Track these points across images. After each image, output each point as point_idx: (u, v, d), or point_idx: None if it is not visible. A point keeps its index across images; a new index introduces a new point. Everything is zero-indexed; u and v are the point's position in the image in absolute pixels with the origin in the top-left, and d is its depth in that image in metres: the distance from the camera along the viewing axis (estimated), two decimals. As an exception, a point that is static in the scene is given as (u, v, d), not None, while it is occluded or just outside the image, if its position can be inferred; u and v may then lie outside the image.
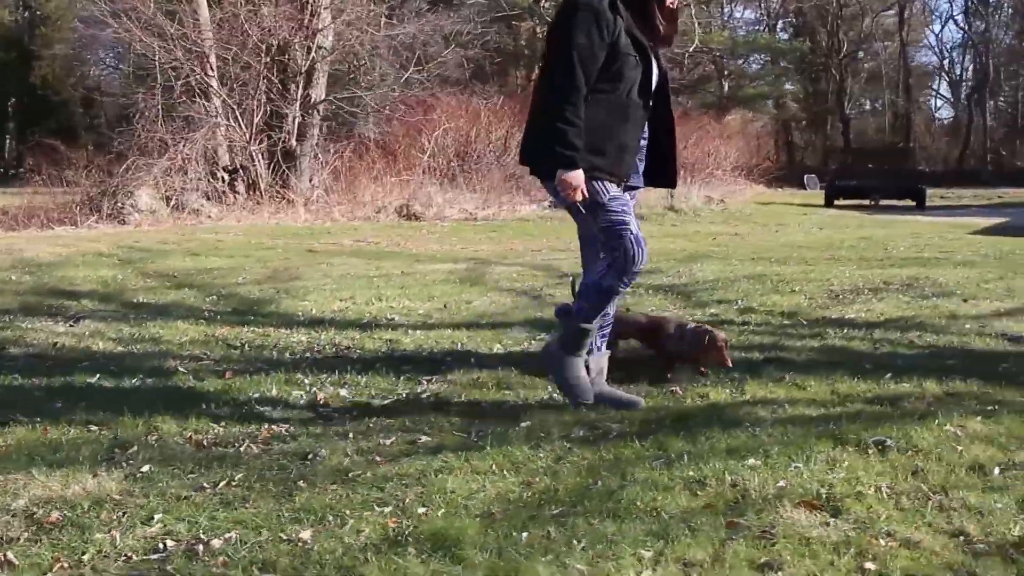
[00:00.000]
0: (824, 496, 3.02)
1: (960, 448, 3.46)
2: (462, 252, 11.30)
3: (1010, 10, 51.20)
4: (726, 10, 51.92)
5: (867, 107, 59.59)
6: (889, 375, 4.52)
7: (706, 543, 2.67)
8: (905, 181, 29.10)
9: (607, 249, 3.89)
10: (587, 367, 4.05)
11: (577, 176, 3.72)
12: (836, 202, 28.07)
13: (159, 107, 18.46)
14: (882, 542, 2.69)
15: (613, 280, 3.90)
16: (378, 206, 18.14)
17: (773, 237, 13.67)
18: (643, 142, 4.00)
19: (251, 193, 19.20)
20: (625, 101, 3.82)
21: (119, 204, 17.36)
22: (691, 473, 3.22)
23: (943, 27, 50.04)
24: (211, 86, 18.36)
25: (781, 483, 3.13)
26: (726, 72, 46.58)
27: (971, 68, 52.31)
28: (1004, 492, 3.06)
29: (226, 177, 18.98)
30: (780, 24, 54.48)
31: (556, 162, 3.73)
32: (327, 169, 20.15)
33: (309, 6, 19.33)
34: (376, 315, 6.51)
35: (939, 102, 59.37)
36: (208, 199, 18.43)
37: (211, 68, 18.44)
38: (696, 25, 36.10)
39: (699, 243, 12.35)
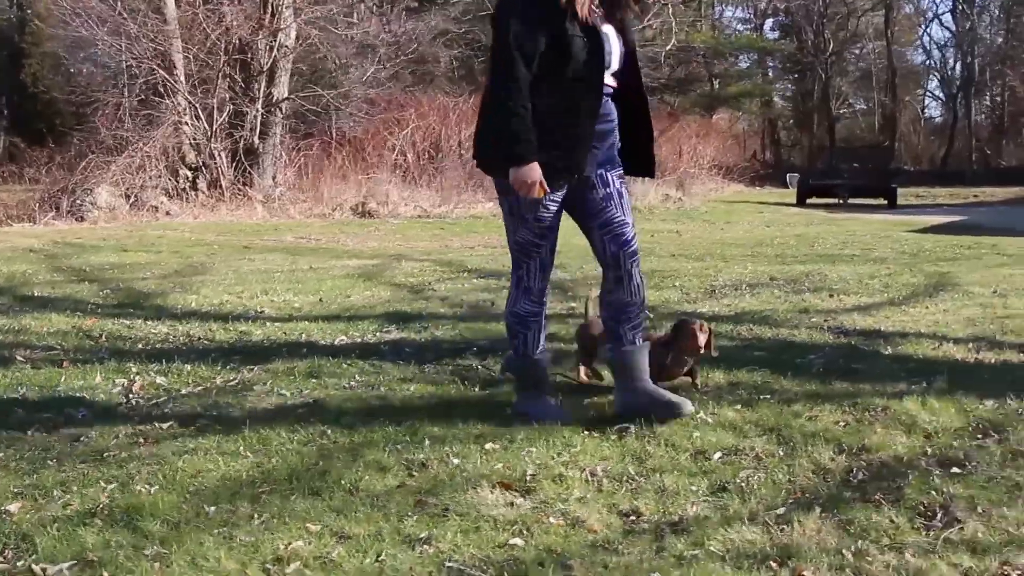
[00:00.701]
0: (528, 477, 3.15)
1: (696, 435, 3.60)
2: (388, 249, 11.46)
3: (996, 10, 51.16)
4: (717, 9, 51.95)
5: (859, 106, 59.59)
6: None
7: (377, 519, 2.81)
8: (877, 180, 28.98)
9: (512, 267, 3.76)
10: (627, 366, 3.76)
11: (530, 171, 3.43)
12: (808, 200, 28.08)
13: (126, 105, 18.61)
14: (551, 520, 2.83)
15: (516, 305, 3.78)
16: (335, 204, 18.29)
17: (710, 234, 13.81)
18: (610, 126, 3.64)
19: (213, 191, 19.34)
20: (573, 85, 3.48)
21: (78, 201, 17.51)
22: (419, 456, 3.36)
23: (927, 26, 49.87)
24: (172, 84, 18.50)
25: (498, 465, 3.27)
26: (710, 71, 46.55)
27: (958, 67, 52.24)
28: (704, 476, 3.20)
29: (189, 175, 19.12)
30: (769, 23, 54.55)
31: (506, 158, 3.47)
32: (291, 167, 20.30)
33: (270, 5, 19.47)
34: (250, 308, 6.66)
35: (931, 101, 59.35)
36: (169, 196, 18.57)
37: (175, 67, 18.58)
38: (675, 24, 36.22)
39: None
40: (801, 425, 3.67)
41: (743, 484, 3.09)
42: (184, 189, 18.72)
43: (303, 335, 5.68)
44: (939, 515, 2.80)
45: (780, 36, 54.13)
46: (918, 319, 5.97)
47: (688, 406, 3.70)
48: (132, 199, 17.99)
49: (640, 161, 3.81)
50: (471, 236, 13.74)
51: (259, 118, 20.17)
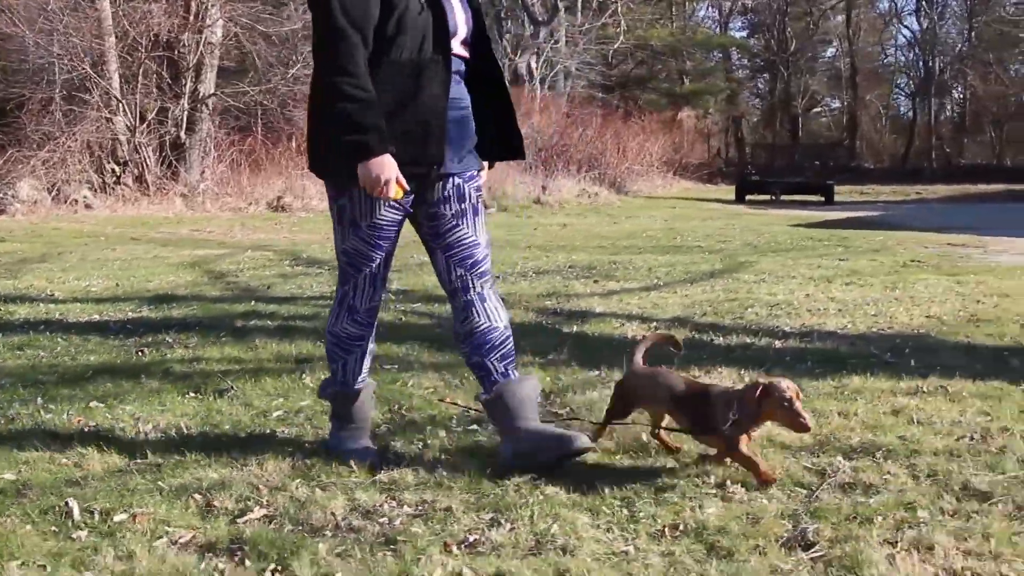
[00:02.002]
0: (89, 427, 3.59)
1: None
2: (259, 241, 11.88)
3: (958, 10, 51.70)
4: (688, 7, 52.30)
5: (833, 104, 60.04)
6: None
7: None
8: (814, 178, 29.41)
9: (338, 281, 3.14)
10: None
11: (382, 164, 2.78)
12: (748, 197, 28.47)
13: (58, 100, 19.00)
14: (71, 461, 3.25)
15: (337, 326, 3.15)
16: (253, 199, 18.70)
17: (595, 228, 14.24)
18: (462, 114, 3.04)
19: (139, 185, 19.75)
20: (415, 60, 2.87)
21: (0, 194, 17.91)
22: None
23: (887, 26, 50.36)
24: (97, 80, 18.90)
25: (81, 418, 3.71)
26: (677, 69, 46.98)
27: (921, 67, 52.67)
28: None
29: (118, 169, 19.52)
30: (740, 22, 55.04)
31: (350, 153, 2.80)
32: (221, 162, 20.69)
33: (194, 3, 19.87)
34: (44, 291, 7.08)
35: (906, 100, 59.60)
36: (94, 191, 18.97)
37: (106, 63, 18.98)
38: (623, 22, 36.73)
39: (510, 233, 12.88)
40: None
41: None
42: (109, 183, 19.09)
43: (59, 314, 6.11)
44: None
45: (748, 34, 54.65)
46: (643, 301, 6.42)
47: (583, 440, 3.00)
48: (54, 193, 18.37)
49: (505, 142, 3.18)
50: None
51: (185, 114, 20.55)
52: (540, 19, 35.01)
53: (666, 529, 2.52)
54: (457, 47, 2.98)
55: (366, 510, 2.68)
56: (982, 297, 6.44)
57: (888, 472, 2.92)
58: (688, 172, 38.22)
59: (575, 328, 5.45)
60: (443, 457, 3.12)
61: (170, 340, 5.16)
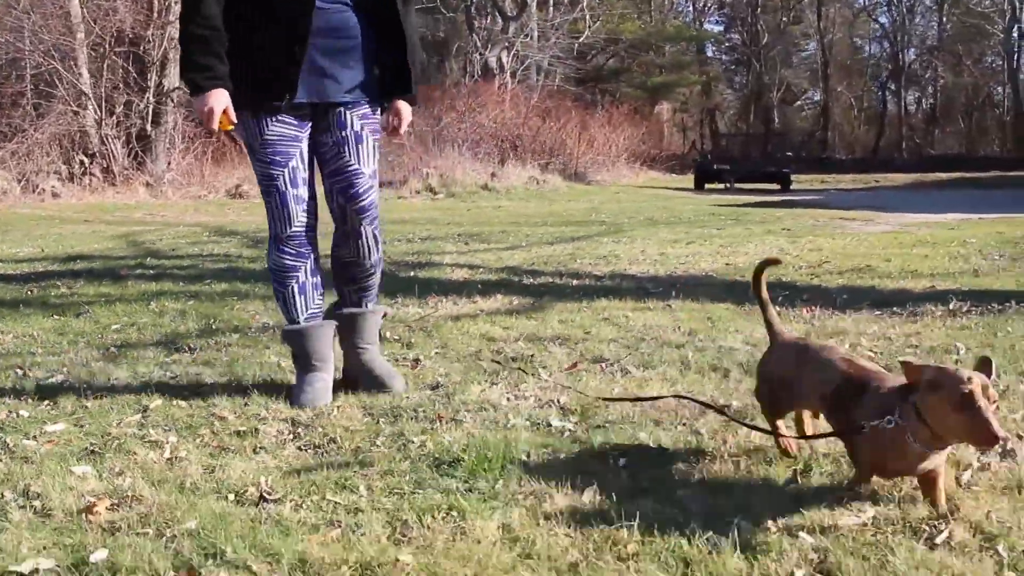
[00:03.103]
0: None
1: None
2: (200, 220, 12.77)
3: (927, 3, 52.65)
4: (665, 2, 53.10)
5: (815, 97, 60.77)
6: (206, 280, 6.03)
7: None
8: (771, 166, 30.03)
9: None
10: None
11: (206, 99, 2.85)
12: (707, 185, 29.12)
13: (29, 94, 19.92)
14: None
15: (273, 256, 3.14)
16: (213, 187, 19.63)
17: (525, 210, 15.14)
18: (348, 44, 3.02)
19: (106, 175, 20.67)
20: (259, 6, 2.92)
21: (-30, 184, 18.81)
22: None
23: (855, 18, 51.23)
24: (66, 76, 19.80)
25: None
26: (640, 62, 47.86)
27: (892, 60, 53.54)
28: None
29: (85, 160, 20.44)
30: (716, 16, 55.94)
31: (188, 88, 2.95)
32: (188, 153, 21.60)
33: (156, 1, 20.79)
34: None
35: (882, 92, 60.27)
36: (63, 180, 19.88)
37: (76, 59, 19.89)
38: (587, 16, 37.63)
39: (442, 215, 13.80)
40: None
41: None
42: (77, 174, 20.01)
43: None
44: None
45: (725, 28, 55.57)
46: (490, 256, 7.35)
47: (399, 383, 3.18)
48: (23, 183, 19.29)
49: (394, 80, 3.16)
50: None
51: (151, 107, 21.46)
52: (510, 14, 35.85)
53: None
54: None
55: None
56: (798, 252, 7.35)
57: (549, 352, 3.84)
58: (659, 163, 39.00)
59: (414, 273, 6.36)
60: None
61: (59, 284, 6.06)
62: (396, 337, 4.12)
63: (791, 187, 28.03)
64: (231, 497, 2.22)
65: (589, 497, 2.14)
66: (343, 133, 3.04)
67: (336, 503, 2.14)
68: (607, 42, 43.66)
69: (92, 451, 2.59)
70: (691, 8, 54.14)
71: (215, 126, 2.84)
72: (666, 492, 2.17)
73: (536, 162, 23.62)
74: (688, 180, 29.97)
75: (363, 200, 3.05)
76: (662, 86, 46.85)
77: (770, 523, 1.95)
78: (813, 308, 4.66)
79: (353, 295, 3.22)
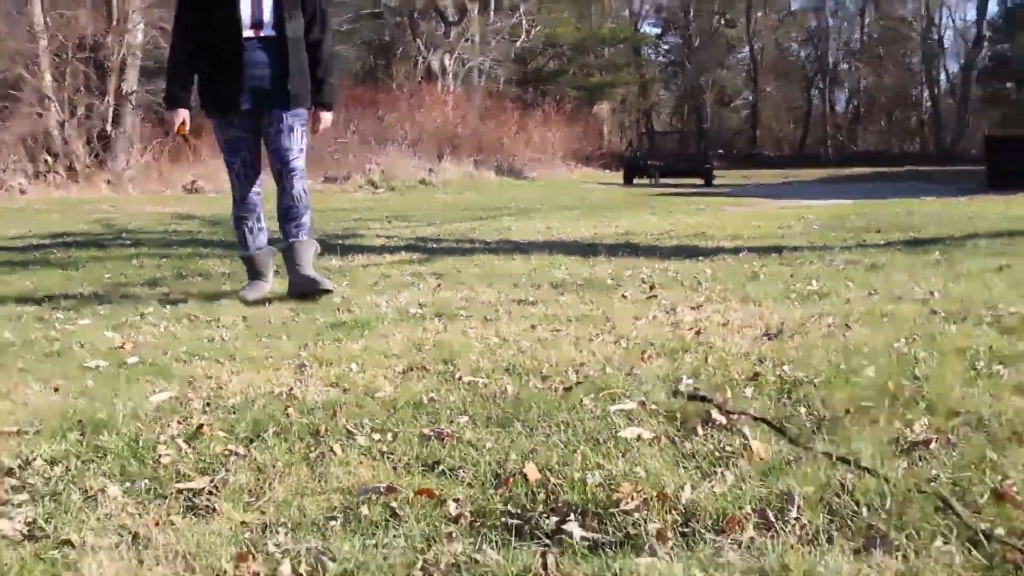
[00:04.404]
0: None
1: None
2: (160, 211, 14.23)
3: (851, 7, 55.15)
4: (612, 5, 54.96)
5: (751, 98, 62.99)
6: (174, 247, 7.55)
7: None
8: (697, 162, 31.37)
9: None
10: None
11: (172, 115, 4.61)
12: (635, 180, 30.59)
13: None
14: None
15: (234, 211, 4.81)
16: (171, 183, 21.05)
17: (457, 200, 16.73)
18: (267, 71, 4.51)
19: (70, 173, 22.02)
20: (218, 43, 4.41)
21: (-60, 183, 20.07)
22: None
23: (782, 23, 53.48)
24: (30, 80, 21.12)
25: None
26: (579, 64, 49.68)
27: (817, 61, 55.86)
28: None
29: (49, 160, 21.79)
30: (652, 19, 57.95)
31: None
32: (146, 152, 22.98)
33: (115, 9, 22.17)
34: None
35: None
36: (29, 178, 21.17)
37: (39, 63, 21.18)
38: (524, 21, 39.36)
39: (379, 204, 15.37)
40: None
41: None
42: (42, 172, 21.33)
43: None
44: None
45: (661, 31, 57.61)
46: (405, 230, 8.95)
47: (327, 284, 4.63)
48: (-13, 180, 20.57)
49: (316, 92, 4.70)
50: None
51: (111, 109, 22.83)
52: (452, 19, 37.39)
53: None
54: (248, 32, 4.47)
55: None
56: (658, 224, 9.04)
57: (425, 280, 5.46)
58: (595, 161, 40.69)
59: (341, 242, 7.95)
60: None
61: (55, 251, 7.56)
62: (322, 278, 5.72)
63: (713, 182, 29.40)
64: (207, 340, 3.82)
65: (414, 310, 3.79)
66: (280, 126, 4.58)
67: (268, 346, 3.72)
68: (546, 45, 45.46)
69: (113, 326, 4.16)
70: (628, 12, 56.03)
71: (175, 131, 4.64)
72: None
73: (472, 159, 25.27)
74: (620, 176, 31.55)
75: (292, 164, 4.63)
76: (600, 87, 48.67)
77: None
78: (635, 258, 6.31)
79: (292, 230, 4.71)
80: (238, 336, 3.80)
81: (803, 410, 2.39)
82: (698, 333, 3.47)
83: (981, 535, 1.55)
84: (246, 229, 4.77)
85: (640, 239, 7.66)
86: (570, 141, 37.05)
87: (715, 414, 2.30)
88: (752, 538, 1.60)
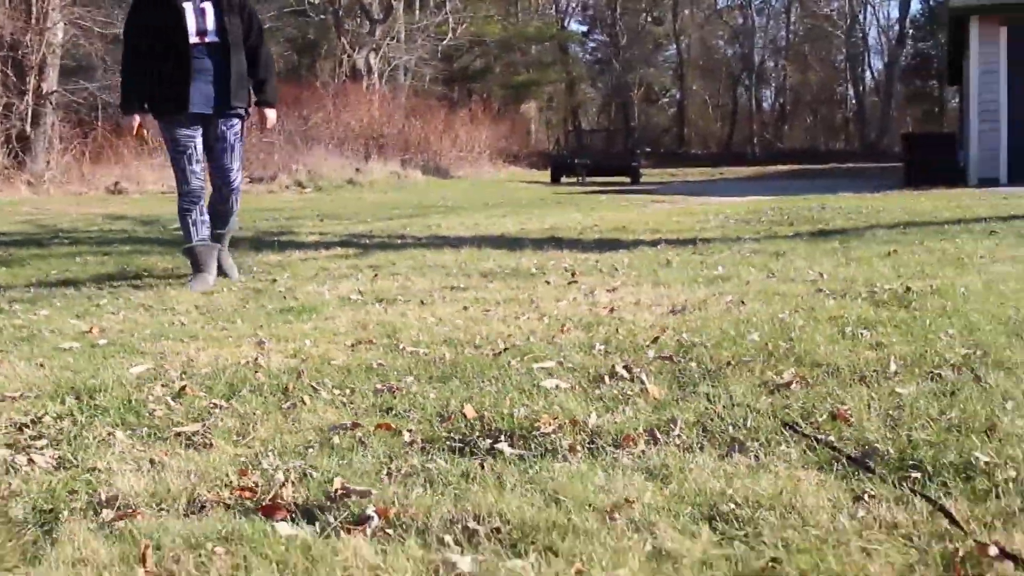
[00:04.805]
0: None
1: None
2: (85, 212, 14.36)
3: (776, 6, 56.58)
4: (539, 2, 55.55)
5: (679, 96, 64.08)
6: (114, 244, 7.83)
7: None
8: (624, 160, 31.87)
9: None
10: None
11: (126, 120, 5.22)
12: (563, 178, 31.00)
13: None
14: None
15: (180, 203, 5.21)
16: (93, 184, 21.03)
17: (385, 199, 17.09)
18: (211, 77, 5.02)
19: (-13, 174, 21.81)
20: (166, 50, 4.94)
21: None
22: None
23: (708, 21, 54.68)
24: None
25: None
26: (505, 62, 50.21)
27: (744, 59, 57.13)
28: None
29: (-34, 161, 21.55)
30: (579, 17, 58.75)
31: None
32: (66, 152, 22.86)
33: (33, 8, 22.04)
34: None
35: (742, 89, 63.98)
36: (-53, 180, 20.95)
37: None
38: (451, 19, 39.75)
39: (309, 205, 15.67)
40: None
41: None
42: (-37, 174, 21.12)
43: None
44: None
45: (588, 29, 58.45)
46: (338, 228, 9.32)
47: (233, 274, 5.50)
48: (-98, 181, 20.36)
49: (259, 92, 5.30)
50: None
51: (30, 109, 22.67)
52: (377, 17, 37.58)
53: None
54: (194, 39, 4.97)
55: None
56: (582, 221, 9.53)
57: (363, 272, 5.87)
58: (522, 159, 41.15)
59: (276, 239, 8.30)
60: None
61: (-4, 249, 7.81)
62: (263, 271, 6.10)
63: (640, 180, 29.93)
64: (167, 324, 4.19)
65: (354, 296, 4.20)
66: (224, 144, 5.13)
67: (225, 328, 4.10)
68: (472, 43, 45.89)
69: (75, 315, 4.50)
70: (554, 10, 56.72)
71: (136, 135, 5.24)
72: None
73: (399, 158, 25.60)
74: (547, 174, 32.03)
75: (233, 184, 5.30)
76: (527, 85, 49.24)
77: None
78: (559, 251, 6.77)
79: (220, 224, 5.39)
80: (196, 321, 4.17)
81: (693, 364, 2.86)
82: (612, 311, 3.94)
83: (815, 441, 2.04)
84: (190, 221, 5.19)
85: (565, 233, 8.13)
86: (497, 140, 37.40)
87: (619, 369, 2.77)
88: (643, 450, 2.06)
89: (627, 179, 29.87)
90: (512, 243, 7.34)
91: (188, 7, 5.03)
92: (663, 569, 1.47)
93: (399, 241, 7.86)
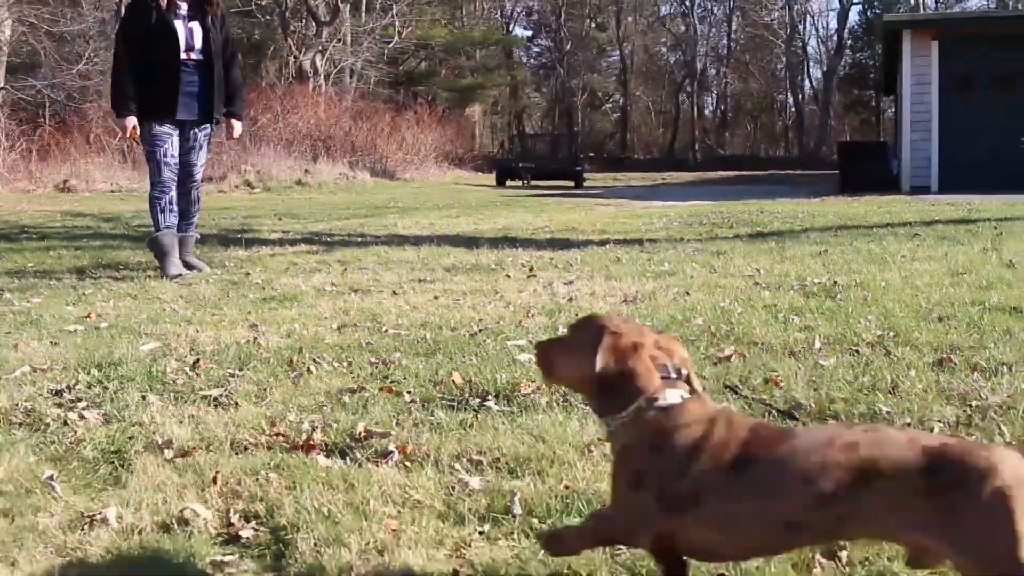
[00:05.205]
0: None
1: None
2: (39, 208, 14.47)
3: (718, 14, 57.63)
4: (484, 6, 55.98)
5: (620, 101, 64.89)
6: (82, 239, 8.08)
7: None
8: (567, 164, 32.36)
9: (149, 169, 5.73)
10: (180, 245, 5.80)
11: (121, 121, 5.65)
12: (508, 183, 31.41)
13: None
14: None
15: (152, 192, 5.71)
16: (41, 182, 21.00)
17: (334, 200, 17.38)
18: (194, 90, 5.59)
19: (-68, 172, 21.67)
20: (158, 61, 5.50)
21: None
22: None
23: (651, 28, 55.55)
24: None
25: None
26: (451, 66, 50.59)
27: (685, 66, 58.11)
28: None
29: (-89, 159, 21.40)
30: (524, 22, 59.29)
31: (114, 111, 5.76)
32: (12, 150, 22.76)
33: (-18, 3, 21.97)
34: None
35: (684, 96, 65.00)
36: None
37: None
38: (397, 23, 40.04)
39: (260, 204, 15.91)
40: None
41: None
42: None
43: None
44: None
45: (533, 34, 59.01)
46: (298, 226, 9.63)
47: (204, 267, 5.93)
48: None
49: (229, 104, 5.85)
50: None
51: (-25, 106, 22.57)
52: (323, 19, 37.71)
53: None
54: (183, 55, 5.58)
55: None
56: (533, 221, 9.95)
57: (331, 267, 6.22)
58: (467, 163, 41.47)
59: (240, 236, 8.60)
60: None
61: None
62: (235, 265, 6.42)
63: (584, 184, 30.38)
64: (160, 311, 4.52)
65: (329, 288, 4.57)
66: (192, 143, 5.73)
67: (215, 314, 4.44)
68: (418, 47, 46.21)
69: (68, 302, 4.81)
70: (499, 14, 57.24)
71: (130, 135, 5.64)
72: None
73: (346, 160, 25.86)
74: (492, 178, 32.39)
75: (196, 177, 5.87)
76: (471, 88, 49.64)
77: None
78: (514, 249, 7.18)
79: (183, 226, 5.91)
80: (185, 308, 4.51)
81: (647, 342, 3.28)
82: (570, 300, 4.36)
83: (751, 399, 2.47)
84: (159, 208, 5.71)
85: (518, 233, 8.54)
86: (442, 143, 37.64)
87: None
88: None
89: (571, 183, 30.26)
90: (468, 241, 7.72)
91: (179, 24, 5.59)
92: (631, 486, 1.87)
93: (359, 239, 8.20)
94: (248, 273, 5.88)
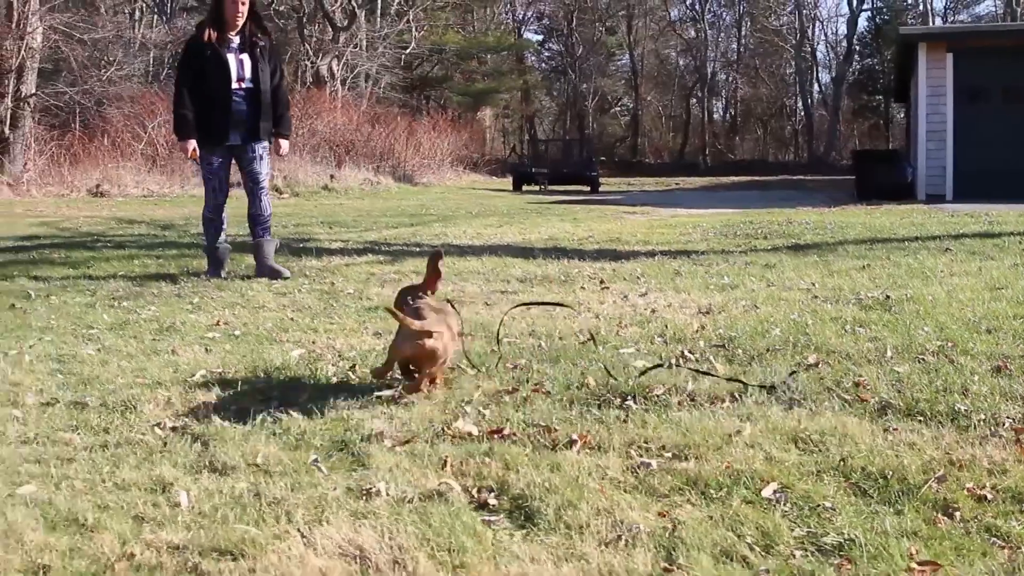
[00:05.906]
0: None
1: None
2: (85, 214, 15.00)
3: (728, 20, 58.16)
4: (489, 12, 56.52)
5: (629, 105, 65.34)
6: (157, 248, 8.60)
7: None
8: (582, 169, 32.82)
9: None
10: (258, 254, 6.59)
11: (184, 145, 6.34)
12: (525, 187, 31.82)
13: None
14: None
15: (204, 211, 6.58)
16: (75, 186, 21.55)
17: (364, 206, 17.90)
18: (243, 116, 6.28)
19: (-30, 176, 22.26)
20: (212, 92, 6.20)
21: None
22: None
23: (662, 33, 56.04)
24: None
25: None
26: (463, 70, 51.12)
27: (696, 71, 58.59)
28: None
29: (-50, 163, 22.02)
30: (535, 27, 59.85)
31: (176, 136, 6.47)
32: (43, 154, 23.32)
33: (15, 13, 22.53)
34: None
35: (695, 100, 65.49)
36: (-68, 180, 21.38)
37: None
38: (414, 28, 40.59)
39: (296, 210, 16.41)
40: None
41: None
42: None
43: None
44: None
45: (544, 39, 59.52)
46: (351, 236, 10.14)
47: (285, 272, 6.49)
48: None
49: (277, 126, 6.54)
50: (151, 208, 17.35)
51: (9, 112, 23.14)
52: (339, 25, 38.25)
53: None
54: (235, 84, 6.29)
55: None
56: (575, 232, 10.44)
57: (408, 278, 6.73)
58: (481, 167, 41.97)
59: (303, 246, 9.12)
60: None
61: (53, 253, 8.51)
62: (316, 275, 6.92)
63: (599, 189, 30.82)
64: (279, 319, 5.02)
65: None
66: (252, 155, 6.44)
67: (334, 321, 4.95)
68: (431, 51, 46.79)
69: (186, 310, 5.31)
70: (511, 19, 57.80)
71: (191, 157, 6.38)
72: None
73: (370, 165, 26.39)
74: (507, 182, 32.81)
75: (262, 184, 6.55)
76: (484, 93, 50.18)
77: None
78: (570, 260, 7.69)
79: (259, 232, 6.60)
80: (300, 316, 5.01)
81: (740, 351, 3.80)
82: (653, 311, 4.87)
83: (848, 400, 2.98)
84: (213, 228, 6.54)
85: (565, 243, 9.04)
86: (457, 147, 38.17)
87: (686, 353, 3.70)
88: (729, 405, 2.99)
89: (587, 188, 30.69)
90: (523, 252, 8.22)
91: (231, 57, 6.29)
92: (774, 468, 2.39)
93: (417, 249, 8.70)
94: (332, 283, 6.37)
